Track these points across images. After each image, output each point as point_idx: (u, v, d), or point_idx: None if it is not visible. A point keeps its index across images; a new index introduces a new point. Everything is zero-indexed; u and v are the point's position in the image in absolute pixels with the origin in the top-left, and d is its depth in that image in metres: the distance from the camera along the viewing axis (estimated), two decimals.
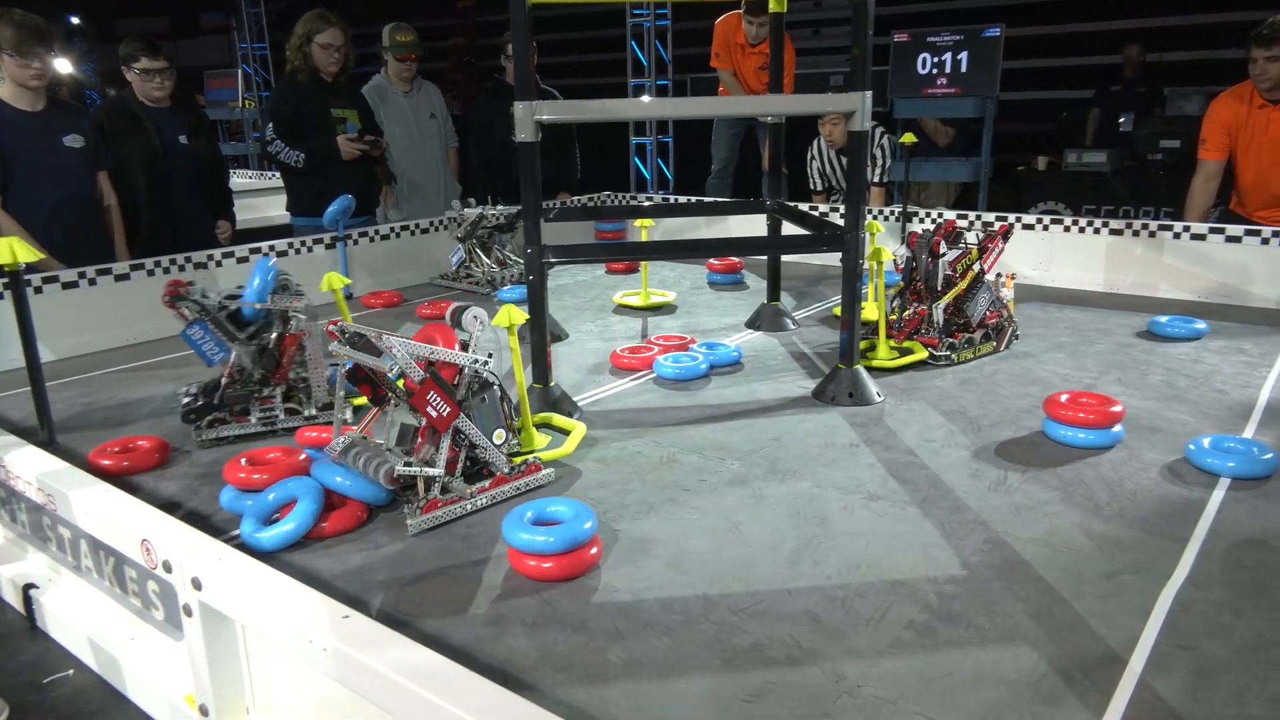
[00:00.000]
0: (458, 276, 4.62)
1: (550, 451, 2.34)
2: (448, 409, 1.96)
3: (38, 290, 3.39)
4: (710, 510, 2.06)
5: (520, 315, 2.27)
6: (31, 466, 1.82)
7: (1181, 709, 1.36)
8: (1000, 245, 3.33)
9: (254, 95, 12.36)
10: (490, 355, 2.05)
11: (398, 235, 4.69)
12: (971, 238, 3.32)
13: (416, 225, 4.78)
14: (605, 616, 1.66)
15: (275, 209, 6.84)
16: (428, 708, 1.01)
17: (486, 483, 2.09)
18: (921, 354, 3.14)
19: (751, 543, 1.91)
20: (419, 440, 2.07)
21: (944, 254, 3.23)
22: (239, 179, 8.42)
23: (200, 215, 4.45)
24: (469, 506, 2.04)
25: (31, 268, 2.91)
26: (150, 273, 3.73)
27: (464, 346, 2.07)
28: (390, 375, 1.95)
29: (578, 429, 2.47)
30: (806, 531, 1.95)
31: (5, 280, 2.98)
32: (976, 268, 3.25)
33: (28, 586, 1.84)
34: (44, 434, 2.46)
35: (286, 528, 1.89)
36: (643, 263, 4.24)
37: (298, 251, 4.23)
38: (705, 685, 1.46)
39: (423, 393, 1.94)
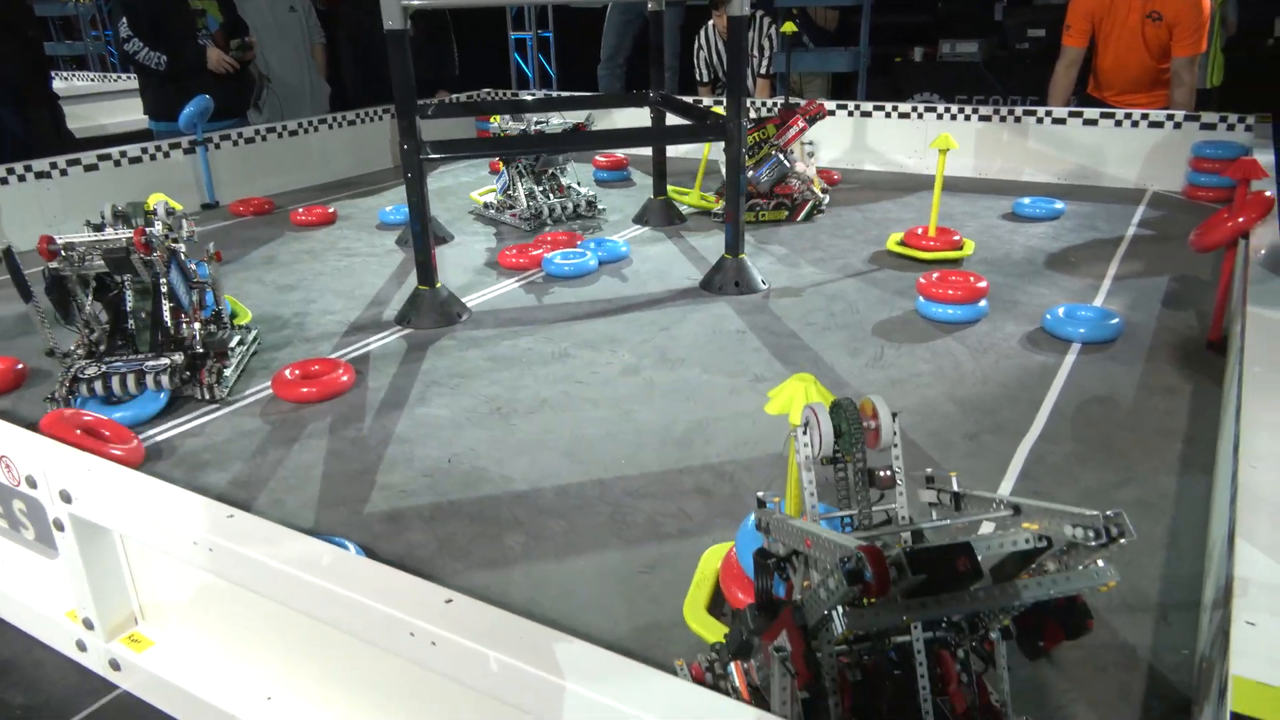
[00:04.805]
0: (499, 207, 3.87)
1: None
2: None
3: None
4: (603, 401, 2.10)
5: (820, 393, 1.31)
6: None
7: None
8: (801, 124, 3.46)
9: None
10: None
11: (264, 138, 4.41)
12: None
13: (284, 127, 4.50)
14: (502, 506, 1.68)
15: (126, 113, 6.32)
16: (321, 594, 1.01)
17: None
18: (715, 205, 3.73)
19: (644, 429, 1.96)
20: None
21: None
22: (78, 83, 7.70)
23: None
24: None
25: None
26: None
27: None
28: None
29: None
30: (696, 415, 2.01)
31: None
32: (769, 144, 3.49)
33: None
34: None
35: None
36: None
37: (153, 158, 3.93)
38: (602, 561, 1.51)
39: None
